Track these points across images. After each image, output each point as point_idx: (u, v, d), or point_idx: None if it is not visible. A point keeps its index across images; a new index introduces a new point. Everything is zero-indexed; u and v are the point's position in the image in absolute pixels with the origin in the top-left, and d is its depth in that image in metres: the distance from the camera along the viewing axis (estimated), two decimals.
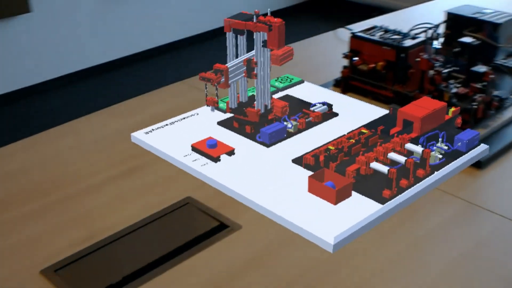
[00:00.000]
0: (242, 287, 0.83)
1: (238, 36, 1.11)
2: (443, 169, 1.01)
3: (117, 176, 1.07)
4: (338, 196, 0.94)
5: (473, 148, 1.08)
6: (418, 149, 1.02)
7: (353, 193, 0.96)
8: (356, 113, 1.21)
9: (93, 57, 3.88)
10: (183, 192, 1.01)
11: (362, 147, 1.05)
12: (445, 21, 1.36)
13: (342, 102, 1.26)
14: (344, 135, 1.10)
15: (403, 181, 0.97)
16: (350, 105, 1.25)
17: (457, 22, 1.33)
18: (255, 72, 1.11)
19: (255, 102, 1.15)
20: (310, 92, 1.31)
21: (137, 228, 0.95)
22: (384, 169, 0.98)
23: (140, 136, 1.15)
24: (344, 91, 1.34)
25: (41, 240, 0.92)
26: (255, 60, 1.11)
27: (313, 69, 1.50)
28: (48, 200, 1.01)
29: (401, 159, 0.99)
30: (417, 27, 1.40)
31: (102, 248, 0.91)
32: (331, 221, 0.90)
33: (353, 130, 1.12)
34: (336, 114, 1.21)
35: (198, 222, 0.96)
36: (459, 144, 1.07)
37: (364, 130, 1.10)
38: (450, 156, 1.05)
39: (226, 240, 0.90)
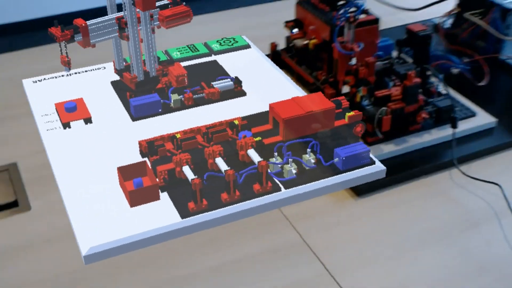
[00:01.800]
0: None
1: None
2: (289, 189, 0.82)
3: None
4: (132, 199, 0.79)
5: (360, 167, 0.86)
6: (256, 158, 0.82)
7: (164, 197, 0.81)
8: (269, 97, 1.01)
9: None
10: (17, 156, 0.92)
11: (208, 142, 0.87)
12: None
13: (269, 81, 1.07)
14: (221, 122, 0.93)
15: (224, 195, 0.80)
16: (273, 86, 1.05)
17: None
18: (126, 33, 0.96)
19: (131, 68, 1.01)
20: (246, 61, 1.13)
21: None
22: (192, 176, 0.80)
23: (27, 84, 1.07)
24: None
25: None
26: (125, 20, 0.96)
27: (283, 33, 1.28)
28: None
29: (224, 166, 0.81)
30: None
31: None
32: (106, 224, 0.77)
33: (227, 119, 0.93)
34: (243, 93, 1.03)
35: (0, 192, 0.87)
36: (336, 159, 0.85)
37: (236, 122, 0.91)
38: (317, 174, 0.84)
39: (4, 221, 0.81)
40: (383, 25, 1.40)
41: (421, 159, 1.04)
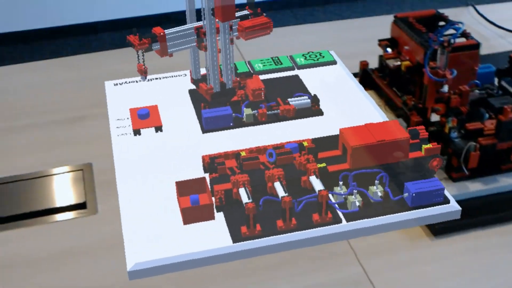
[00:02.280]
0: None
1: None
2: (351, 222, 0.76)
3: (56, 122, 1.02)
4: (186, 216, 0.77)
5: (432, 205, 0.79)
6: (317, 186, 0.77)
7: (219, 217, 0.78)
8: (347, 119, 0.96)
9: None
10: (91, 157, 0.93)
11: (272, 163, 0.83)
12: None
13: (351, 102, 1.01)
14: (288, 143, 0.89)
15: (280, 223, 0.76)
16: (353, 107, 1.00)
17: None
18: (204, 43, 0.94)
19: (207, 78, 0.99)
20: (330, 78, 1.08)
21: (16, 180, 0.91)
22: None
23: (109, 86, 1.08)
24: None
25: None
26: (204, 30, 0.94)
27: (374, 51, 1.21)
28: None
29: (282, 192, 0.77)
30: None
31: None
32: (156, 241, 0.75)
33: (296, 140, 0.89)
34: (320, 113, 0.98)
35: (72, 192, 0.88)
36: (405, 195, 0.79)
37: (305, 143, 0.87)
38: (383, 208, 0.78)
39: (70, 221, 0.82)
40: (490, 49, 1.30)
41: (511, 203, 0.94)
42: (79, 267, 0.77)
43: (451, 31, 0.96)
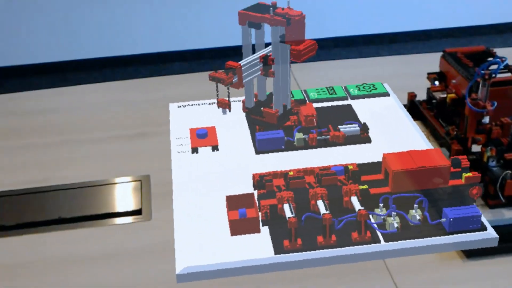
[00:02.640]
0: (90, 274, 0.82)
1: (255, 30, 1.01)
2: (386, 243, 0.80)
3: (122, 137, 1.11)
4: (233, 227, 0.83)
5: (471, 231, 0.82)
6: (357, 206, 0.82)
7: (265, 230, 0.83)
8: (394, 147, 1.00)
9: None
10: (150, 170, 1.01)
11: (316, 183, 0.88)
12: None
13: (399, 131, 1.05)
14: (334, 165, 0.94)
15: (320, 238, 0.80)
16: (400, 136, 1.04)
17: None
18: (272, 70, 1.01)
19: (273, 103, 1.05)
20: (381, 109, 1.12)
21: (83, 186, 0.99)
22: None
23: (173, 107, 1.16)
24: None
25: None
26: (272, 56, 1.00)
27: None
28: (48, 140, 1.12)
29: (323, 210, 0.81)
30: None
31: (39, 193, 0.99)
32: (203, 248, 0.81)
33: (342, 164, 0.93)
34: (368, 140, 1.03)
35: (130, 199, 0.96)
36: (443, 220, 0.82)
37: (350, 167, 0.91)
38: (420, 231, 0.81)
39: (126, 226, 0.89)
40: None
41: None
42: (131, 267, 0.84)
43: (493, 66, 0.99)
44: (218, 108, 1.05)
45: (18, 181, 1.01)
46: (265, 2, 1.00)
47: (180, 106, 1.17)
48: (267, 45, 1.03)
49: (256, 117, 1.06)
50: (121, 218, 0.94)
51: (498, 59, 0.92)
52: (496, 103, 0.92)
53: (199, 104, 1.17)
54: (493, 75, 0.90)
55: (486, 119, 0.92)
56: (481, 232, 0.82)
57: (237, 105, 1.14)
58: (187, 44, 3.02)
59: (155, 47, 2.95)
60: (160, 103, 1.16)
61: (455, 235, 0.82)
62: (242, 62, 1.00)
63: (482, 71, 0.90)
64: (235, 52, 1.09)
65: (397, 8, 3.12)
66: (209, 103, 1.17)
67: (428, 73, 1.07)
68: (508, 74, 0.99)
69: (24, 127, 1.18)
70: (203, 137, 1.04)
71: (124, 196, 0.98)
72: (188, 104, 1.17)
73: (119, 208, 0.95)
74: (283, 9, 0.98)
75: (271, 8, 0.98)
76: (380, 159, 0.94)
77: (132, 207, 0.95)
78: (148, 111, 1.19)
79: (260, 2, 1.01)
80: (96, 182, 1.01)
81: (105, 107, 1.25)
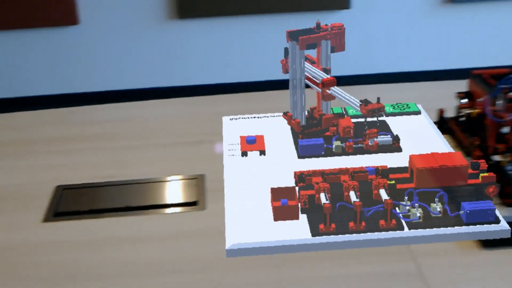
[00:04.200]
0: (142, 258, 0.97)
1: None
2: (410, 231, 0.91)
3: (179, 143, 1.27)
4: (276, 213, 0.96)
5: (486, 223, 0.92)
6: (384, 195, 0.94)
7: (303, 217, 0.96)
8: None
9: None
10: (205, 171, 1.16)
11: (350, 179, 1.00)
12: None
13: (428, 143, 1.17)
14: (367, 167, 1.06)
15: (351, 224, 0.92)
16: (428, 147, 1.15)
17: None
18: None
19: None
20: (413, 124, 1.24)
21: (146, 182, 1.15)
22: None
23: (226, 120, 1.31)
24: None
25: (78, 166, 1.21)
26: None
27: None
28: (117, 144, 1.29)
29: (354, 199, 0.94)
30: None
31: (109, 186, 1.14)
32: (250, 229, 0.94)
33: (374, 165, 1.06)
34: (399, 150, 1.15)
35: (187, 193, 1.10)
36: (461, 212, 0.93)
37: (380, 168, 1.04)
38: (440, 221, 0.93)
39: (183, 214, 1.04)
40: None
41: None
42: (188, 246, 0.98)
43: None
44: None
45: (91, 175, 1.17)
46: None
47: (232, 119, 1.31)
48: None
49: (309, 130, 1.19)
50: (180, 208, 1.07)
51: None
52: None
53: (248, 117, 1.31)
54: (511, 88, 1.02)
55: (505, 129, 1.02)
56: (495, 224, 0.93)
57: (281, 119, 1.28)
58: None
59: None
60: (214, 116, 1.31)
61: (471, 226, 0.92)
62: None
63: (501, 86, 1.02)
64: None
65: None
66: (257, 117, 1.31)
67: (457, 92, 1.19)
68: None
69: (97, 133, 1.36)
70: (252, 143, 1.17)
71: (182, 190, 1.12)
72: (240, 117, 1.31)
73: (177, 200, 1.09)
74: (326, 25, 1.13)
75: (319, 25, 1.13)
76: (406, 166, 1.06)
77: (189, 199, 1.09)
78: (206, 123, 1.35)
79: (288, 30, 1.15)
80: (158, 179, 1.16)
81: (160, 120, 1.43)
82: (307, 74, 1.16)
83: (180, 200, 1.08)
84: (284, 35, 1.13)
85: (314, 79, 1.15)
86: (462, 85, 1.20)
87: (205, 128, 1.33)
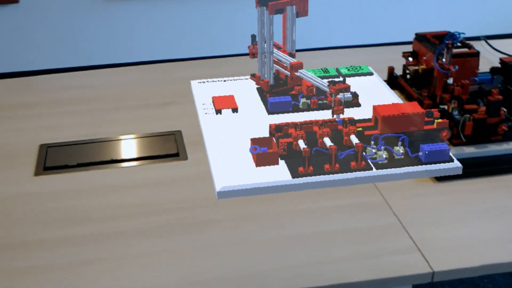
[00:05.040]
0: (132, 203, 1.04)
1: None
2: (377, 170, 1.03)
3: (151, 104, 1.34)
4: (258, 160, 1.05)
5: (441, 162, 1.06)
6: (354, 140, 1.05)
7: (282, 163, 1.06)
8: None
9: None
10: (181, 127, 1.24)
11: (320, 129, 1.11)
12: None
13: (382, 98, 1.29)
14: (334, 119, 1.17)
15: (327, 166, 1.03)
16: (383, 101, 1.27)
17: None
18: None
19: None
20: (367, 84, 1.37)
21: (126, 138, 1.23)
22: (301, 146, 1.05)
23: (194, 84, 1.39)
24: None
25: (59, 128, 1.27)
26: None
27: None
28: (87, 107, 1.35)
29: (329, 143, 1.05)
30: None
31: (93, 143, 1.21)
32: (236, 174, 1.03)
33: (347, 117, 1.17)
34: (359, 105, 1.27)
35: (167, 146, 1.19)
36: (420, 153, 1.06)
37: (346, 119, 1.15)
38: (403, 161, 1.05)
39: (167, 164, 1.12)
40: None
41: (496, 162, 1.22)
42: (176, 190, 1.07)
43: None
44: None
45: (71, 135, 1.24)
46: None
47: (201, 82, 1.39)
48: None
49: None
50: (162, 159, 1.16)
51: (457, 33, 1.19)
52: (457, 67, 1.17)
53: (215, 81, 1.40)
54: (455, 44, 1.16)
55: (450, 80, 1.17)
56: (449, 163, 1.06)
57: (248, 82, 1.38)
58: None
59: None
60: (183, 81, 1.40)
61: (429, 165, 1.06)
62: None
63: (446, 41, 1.16)
64: None
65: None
66: (224, 80, 1.40)
67: (403, 52, 1.33)
68: (466, 49, 1.26)
69: (68, 98, 1.41)
70: (225, 102, 1.27)
71: (161, 144, 1.21)
72: (207, 81, 1.40)
73: (159, 152, 1.18)
74: None
75: None
76: (368, 117, 1.18)
77: (170, 151, 1.18)
78: (173, 87, 1.43)
79: None
80: (138, 135, 1.24)
81: (131, 85, 1.49)
82: (275, 58, 1.26)
83: (161, 152, 1.17)
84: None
85: (282, 63, 1.25)
86: (407, 48, 1.34)
87: (175, 91, 1.41)
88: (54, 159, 1.14)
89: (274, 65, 1.28)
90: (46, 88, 1.48)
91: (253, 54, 1.26)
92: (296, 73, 1.22)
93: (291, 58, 1.26)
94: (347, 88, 1.20)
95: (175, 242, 1.01)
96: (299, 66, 1.23)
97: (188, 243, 1.01)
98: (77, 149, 1.18)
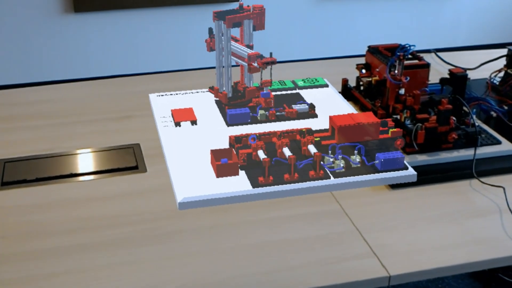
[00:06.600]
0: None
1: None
2: (335, 179, 1.06)
3: (109, 119, 1.35)
4: (219, 171, 1.07)
5: (397, 170, 1.09)
6: (312, 150, 1.08)
7: (242, 173, 1.08)
8: None
9: None
10: (140, 140, 1.25)
11: (279, 140, 1.14)
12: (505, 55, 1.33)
13: (338, 109, 1.33)
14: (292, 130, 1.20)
15: (286, 175, 1.06)
16: (338, 112, 1.31)
17: None
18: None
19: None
20: (323, 95, 1.40)
21: (85, 152, 1.23)
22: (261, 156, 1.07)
23: (153, 97, 1.40)
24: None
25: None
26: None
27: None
28: (45, 122, 1.35)
29: (288, 154, 1.08)
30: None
31: (51, 158, 1.21)
32: (196, 185, 1.05)
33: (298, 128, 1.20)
34: (315, 116, 1.30)
35: (126, 160, 1.19)
36: (376, 162, 1.09)
37: (304, 130, 1.18)
38: (360, 170, 1.09)
39: (126, 177, 1.13)
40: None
41: (448, 169, 1.27)
42: (137, 202, 1.08)
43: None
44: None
45: (29, 150, 1.23)
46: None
47: (159, 96, 1.41)
48: None
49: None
50: (121, 172, 1.17)
51: (407, 45, 1.24)
52: (409, 78, 1.22)
53: (173, 94, 1.41)
54: (406, 56, 1.21)
55: (402, 91, 1.21)
56: (404, 170, 1.10)
57: (207, 94, 1.40)
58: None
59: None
60: (140, 94, 1.41)
61: (385, 173, 1.09)
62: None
63: (398, 53, 1.21)
64: None
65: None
66: (183, 93, 1.42)
67: (357, 64, 1.37)
68: (416, 61, 1.31)
69: (25, 113, 1.41)
70: (183, 114, 1.28)
71: (120, 157, 1.22)
72: (166, 94, 1.41)
73: (118, 165, 1.18)
74: (248, 6, 1.26)
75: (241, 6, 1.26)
76: (325, 128, 1.21)
77: (129, 164, 1.19)
78: (131, 101, 1.44)
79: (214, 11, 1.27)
80: (96, 149, 1.25)
81: (89, 99, 1.50)
82: (233, 51, 1.29)
83: (120, 165, 1.17)
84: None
85: (240, 54, 1.27)
86: (360, 60, 1.38)
87: (133, 105, 1.42)
88: (12, 174, 1.14)
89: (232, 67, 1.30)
90: (3, 103, 1.48)
91: (210, 48, 1.28)
92: (253, 64, 1.23)
93: (249, 49, 1.28)
94: (273, 61, 1.23)
95: (137, 253, 1.02)
96: (257, 56, 1.25)
97: (151, 254, 1.03)
98: (35, 164, 1.18)
